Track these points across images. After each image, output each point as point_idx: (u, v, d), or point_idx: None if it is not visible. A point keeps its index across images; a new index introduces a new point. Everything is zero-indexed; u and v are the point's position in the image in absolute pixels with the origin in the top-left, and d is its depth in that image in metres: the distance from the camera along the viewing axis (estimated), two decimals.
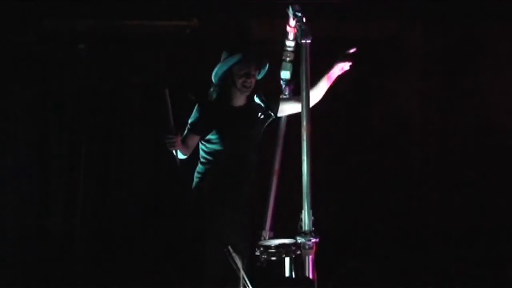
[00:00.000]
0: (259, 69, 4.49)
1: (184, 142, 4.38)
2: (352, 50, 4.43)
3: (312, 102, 4.26)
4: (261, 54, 4.59)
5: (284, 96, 4.72)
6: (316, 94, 4.47)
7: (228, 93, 4.47)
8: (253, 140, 4.50)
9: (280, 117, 4.70)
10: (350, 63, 4.43)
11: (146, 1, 5.77)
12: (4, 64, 5.70)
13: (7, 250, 5.71)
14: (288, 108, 4.59)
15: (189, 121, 4.47)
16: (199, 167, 4.49)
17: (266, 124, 4.55)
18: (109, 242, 5.80)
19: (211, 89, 4.51)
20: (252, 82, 4.44)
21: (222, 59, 4.49)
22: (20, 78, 5.76)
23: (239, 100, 4.50)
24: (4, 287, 5.56)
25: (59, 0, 5.68)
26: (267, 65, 4.53)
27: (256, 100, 4.47)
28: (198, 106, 4.48)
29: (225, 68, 4.44)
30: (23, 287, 5.62)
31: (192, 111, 4.55)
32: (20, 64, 5.72)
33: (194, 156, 4.53)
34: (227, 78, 4.43)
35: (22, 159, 5.76)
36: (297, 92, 4.36)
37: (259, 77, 4.54)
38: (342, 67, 4.46)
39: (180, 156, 4.34)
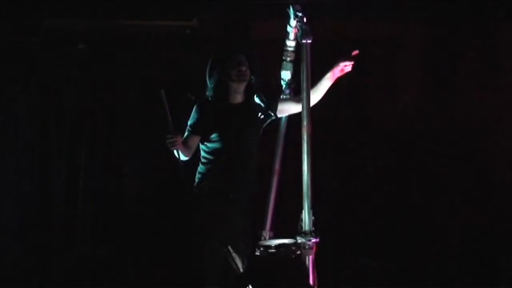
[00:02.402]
0: (248, 57, 4.49)
1: (184, 143, 4.39)
2: (354, 52, 4.44)
3: (311, 103, 4.27)
4: (246, 42, 4.59)
5: (284, 96, 4.72)
6: (316, 95, 4.48)
7: (225, 90, 4.47)
8: (253, 139, 4.50)
9: (280, 117, 4.71)
10: (351, 64, 4.44)
11: (146, 1, 5.76)
12: (4, 64, 5.70)
13: (7, 249, 5.72)
14: (288, 108, 4.59)
15: (189, 122, 4.47)
16: (200, 167, 4.50)
17: (266, 124, 4.55)
18: (109, 241, 5.79)
19: (207, 89, 4.52)
20: (246, 70, 4.44)
21: (210, 63, 4.51)
22: (20, 78, 5.76)
23: (237, 96, 4.49)
24: (4, 283, 5.57)
25: (59, 0, 5.68)
26: (255, 53, 4.54)
27: (256, 100, 4.47)
28: (196, 106, 4.48)
29: (215, 66, 4.45)
30: (23, 283, 5.63)
31: (191, 110, 4.55)
32: (20, 64, 5.72)
33: (195, 157, 4.53)
34: (221, 75, 4.44)
35: (22, 158, 5.77)
36: (298, 92, 4.36)
37: (255, 76, 4.54)
38: (343, 68, 4.47)
39: (182, 157, 4.35)
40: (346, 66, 4.47)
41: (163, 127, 4.28)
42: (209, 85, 4.50)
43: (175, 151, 4.31)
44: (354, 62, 4.44)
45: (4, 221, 5.73)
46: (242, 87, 4.48)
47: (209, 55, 4.54)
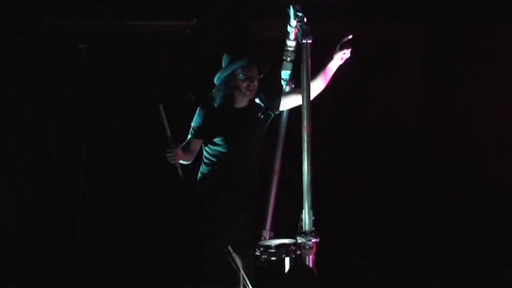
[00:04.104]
0: (261, 72, 4.49)
1: (187, 146, 4.39)
2: (349, 37, 4.43)
3: (315, 93, 4.30)
4: (263, 57, 4.59)
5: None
6: (318, 85, 4.46)
7: (231, 96, 4.46)
8: (257, 140, 4.51)
9: (281, 116, 4.70)
10: (349, 50, 4.43)
11: (146, 1, 5.76)
12: (4, 64, 5.69)
13: (7, 250, 5.72)
14: (289, 102, 4.57)
15: (192, 124, 4.47)
16: (203, 168, 4.49)
17: (268, 123, 4.55)
18: (109, 241, 5.80)
19: (214, 92, 4.50)
20: (255, 85, 4.44)
21: (225, 63, 4.48)
22: (20, 78, 5.76)
23: (242, 102, 4.50)
24: (5, 286, 5.56)
25: (59, 0, 5.68)
26: (270, 66, 4.53)
27: (257, 100, 4.47)
28: (201, 109, 4.47)
29: (228, 72, 4.43)
30: (23, 285, 5.62)
31: (192, 111, 4.54)
32: (20, 64, 5.72)
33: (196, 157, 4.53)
34: (230, 81, 4.43)
35: (22, 158, 5.76)
36: (298, 85, 4.36)
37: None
38: (342, 56, 4.46)
39: (184, 162, 4.35)
40: (345, 54, 4.46)
41: (162, 140, 4.28)
42: (216, 85, 4.48)
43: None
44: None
45: (4, 221, 5.73)
46: (249, 97, 4.48)
47: (224, 53, 4.51)
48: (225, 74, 4.43)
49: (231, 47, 4.69)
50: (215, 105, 4.47)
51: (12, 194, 5.75)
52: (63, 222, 5.81)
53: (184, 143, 4.43)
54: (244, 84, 4.41)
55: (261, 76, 4.50)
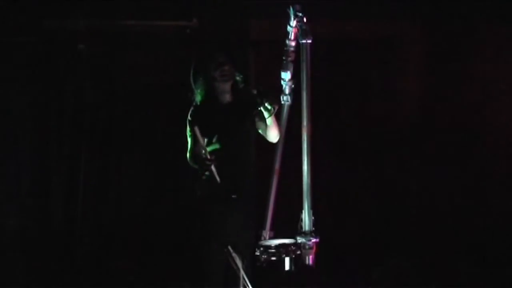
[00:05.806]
0: (227, 55, 4.49)
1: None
2: None
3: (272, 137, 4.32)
4: (223, 41, 4.58)
5: (284, 99, 4.68)
6: (273, 133, 4.47)
7: (212, 91, 4.47)
8: (246, 135, 4.49)
9: (281, 116, 4.68)
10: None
11: (146, 1, 5.77)
12: (4, 64, 5.70)
13: (7, 251, 5.72)
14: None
15: (188, 133, 4.47)
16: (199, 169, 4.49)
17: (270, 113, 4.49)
18: (110, 242, 5.80)
19: (195, 92, 4.51)
20: (228, 69, 4.44)
21: (193, 66, 4.51)
22: (20, 78, 5.76)
23: (225, 96, 4.49)
24: (5, 285, 5.57)
25: (59, 0, 5.69)
26: (237, 50, 4.55)
27: (254, 92, 4.44)
28: (189, 114, 4.48)
29: (198, 71, 4.46)
30: (23, 285, 5.63)
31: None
32: (20, 64, 5.72)
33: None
34: (206, 78, 4.45)
35: (22, 159, 5.77)
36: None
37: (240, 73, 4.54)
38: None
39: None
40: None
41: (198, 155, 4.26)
42: (195, 90, 4.49)
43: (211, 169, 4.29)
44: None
45: (3, 221, 5.74)
46: (228, 86, 4.47)
47: (190, 62, 4.54)
48: (197, 72, 4.45)
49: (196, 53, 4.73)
50: (199, 103, 4.48)
51: (12, 194, 5.75)
52: (63, 221, 5.82)
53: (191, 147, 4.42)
54: (217, 72, 4.43)
55: (230, 58, 4.49)
